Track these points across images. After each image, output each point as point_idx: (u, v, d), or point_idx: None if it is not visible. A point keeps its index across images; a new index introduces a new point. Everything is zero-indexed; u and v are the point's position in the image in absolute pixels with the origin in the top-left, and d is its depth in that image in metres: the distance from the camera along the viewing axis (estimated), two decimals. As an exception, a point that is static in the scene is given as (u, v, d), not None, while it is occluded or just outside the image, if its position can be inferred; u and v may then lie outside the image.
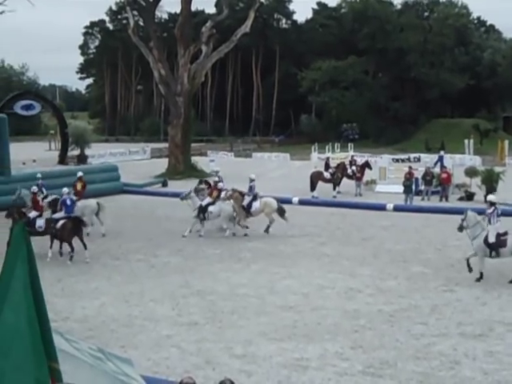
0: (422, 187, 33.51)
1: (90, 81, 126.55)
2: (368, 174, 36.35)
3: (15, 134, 64.27)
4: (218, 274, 18.15)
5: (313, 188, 33.80)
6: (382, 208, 28.99)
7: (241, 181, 42.44)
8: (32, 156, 51.48)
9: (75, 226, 19.92)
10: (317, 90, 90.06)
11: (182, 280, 17.51)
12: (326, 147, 46.89)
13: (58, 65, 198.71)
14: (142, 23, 68.49)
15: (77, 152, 54.86)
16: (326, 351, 12.21)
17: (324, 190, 33.96)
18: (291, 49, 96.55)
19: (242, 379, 10.27)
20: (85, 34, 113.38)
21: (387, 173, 37.10)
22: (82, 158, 54.05)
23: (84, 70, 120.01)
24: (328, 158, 37.68)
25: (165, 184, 41.03)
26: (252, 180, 24.70)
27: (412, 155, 39.83)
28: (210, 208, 23.50)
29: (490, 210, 17.27)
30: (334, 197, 33.52)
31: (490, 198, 18.33)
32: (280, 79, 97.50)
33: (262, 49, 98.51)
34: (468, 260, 17.23)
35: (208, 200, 23.74)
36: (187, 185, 38.23)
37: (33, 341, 3.35)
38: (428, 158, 38.42)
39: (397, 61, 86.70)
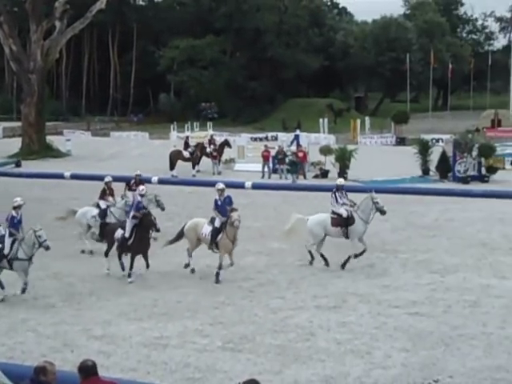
0: (277, 166, 34.08)
1: None
2: (227, 153, 36.66)
3: None
4: (78, 256, 17.81)
5: (172, 167, 33.74)
6: (240, 186, 29.31)
7: (99, 160, 41.96)
8: None
9: None
10: (175, 69, 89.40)
11: (37, 263, 16.99)
12: (186, 126, 46.85)
13: None
14: (-10, -4, 65.37)
15: None
16: (185, 328, 12.32)
17: (183, 168, 33.96)
18: (149, 26, 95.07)
19: (101, 360, 10.15)
20: None
21: (246, 151, 37.62)
22: None
23: None
24: (187, 137, 37.72)
25: (18, 164, 39.59)
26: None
27: (270, 134, 40.69)
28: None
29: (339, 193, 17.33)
30: (194, 176, 33.63)
31: (340, 181, 18.25)
32: (138, 57, 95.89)
33: (118, 26, 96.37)
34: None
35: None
36: (42, 165, 37.24)
37: None
38: (285, 137, 39.26)
39: (253, 41, 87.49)
